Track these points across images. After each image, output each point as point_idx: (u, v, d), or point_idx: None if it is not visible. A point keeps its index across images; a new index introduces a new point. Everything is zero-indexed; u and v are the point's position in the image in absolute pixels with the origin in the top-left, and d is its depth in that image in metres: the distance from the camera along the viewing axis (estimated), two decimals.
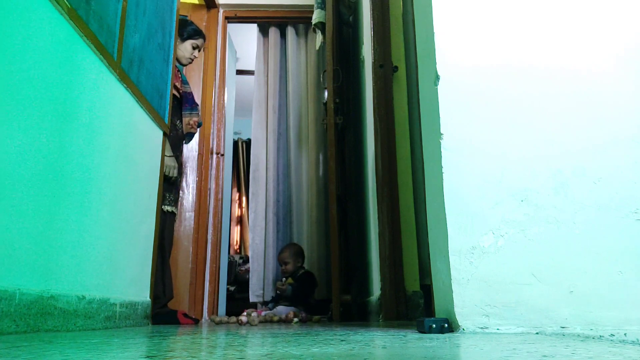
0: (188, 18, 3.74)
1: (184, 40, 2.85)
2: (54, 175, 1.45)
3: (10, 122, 1.25)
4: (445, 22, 1.42)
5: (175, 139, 2.70)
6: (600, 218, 1.29)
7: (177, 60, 2.85)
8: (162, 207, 2.58)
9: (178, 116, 2.77)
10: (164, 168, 2.53)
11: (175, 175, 2.61)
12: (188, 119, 2.79)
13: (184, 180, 2.85)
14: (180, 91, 2.76)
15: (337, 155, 2.96)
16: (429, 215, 1.46)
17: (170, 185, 2.65)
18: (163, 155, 2.47)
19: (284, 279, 3.44)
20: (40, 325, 1.33)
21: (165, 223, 2.61)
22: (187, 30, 2.88)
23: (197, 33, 2.92)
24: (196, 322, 2.59)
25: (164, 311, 2.48)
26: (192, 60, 2.94)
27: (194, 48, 2.88)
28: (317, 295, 3.49)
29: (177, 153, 2.74)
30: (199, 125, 2.93)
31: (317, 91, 4.08)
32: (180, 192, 3.22)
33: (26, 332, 1.27)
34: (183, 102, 2.77)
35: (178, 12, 2.64)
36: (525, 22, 1.43)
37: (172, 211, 2.67)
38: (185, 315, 2.56)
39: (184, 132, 2.79)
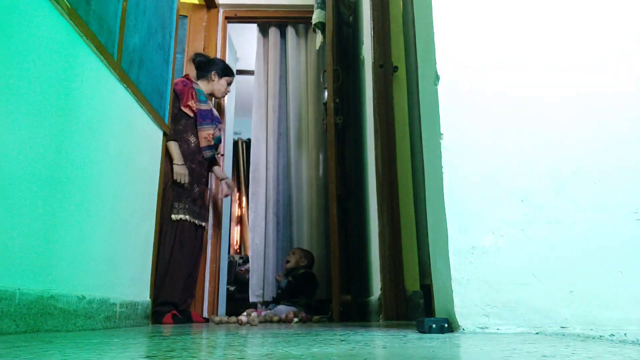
0: (188, 18, 3.75)
1: (221, 77, 3.18)
2: (54, 175, 1.45)
3: (10, 122, 1.25)
4: (445, 22, 1.42)
5: (187, 152, 2.87)
6: (600, 218, 1.29)
7: (212, 94, 3.19)
8: (171, 215, 2.74)
9: (192, 132, 2.94)
10: (175, 175, 2.72)
11: (185, 181, 2.78)
12: (204, 133, 2.97)
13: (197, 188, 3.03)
14: (194, 109, 2.94)
15: (337, 155, 2.96)
16: (429, 215, 1.46)
17: (179, 194, 2.77)
18: (163, 156, 2.47)
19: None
20: (40, 325, 1.33)
21: (174, 231, 2.73)
22: (221, 67, 3.21)
23: (230, 71, 3.26)
24: (207, 321, 2.72)
25: (184, 314, 2.70)
26: (226, 94, 3.28)
27: (228, 84, 3.24)
28: (317, 295, 3.49)
29: (193, 165, 2.90)
30: (218, 140, 3.09)
31: (317, 91, 4.08)
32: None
33: (26, 332, 1.27)
34: (197, 117, 2.96)
35: (178, 12, 2.64)
36: (525, 22, 1.43)
37: (183, 219, 2.80)
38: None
39: (201, 146, 2.96)
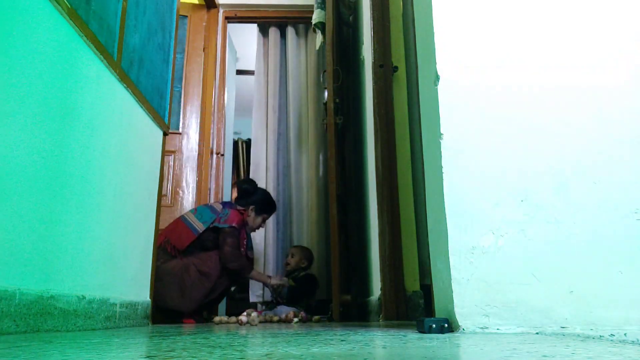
0: (188, 18, 3.75)
1: (257, 215, 3.11)
2: (54, 175, 1.45)
3: (10, 122, 1.25)
4: (445, 22, 1.42)
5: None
6: (600, 218, 1.29)
7: (245, 224, 3.08)
8: None
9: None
10: (277, 288, 3.20)
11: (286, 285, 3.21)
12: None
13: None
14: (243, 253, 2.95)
15: (337, 155, 2.96)
16: (429, 215, 1.46)
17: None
18: (163, 156, 2.47)
19: (284, 278, 3.44)
20: (40, 325, 1.33)
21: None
22: (260, 204, 3.12)
23: (270, 208, 3.22)
24: (199, 322, 2.67)
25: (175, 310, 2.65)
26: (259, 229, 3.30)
27: (263, 220, 3.20)
28: (317, 295, 3.49)
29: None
30: None
31: (317, 91, 4.08)
32: (181, 192, 3.40)
33: (26, 332, 1.27)
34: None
35: (178, 12, 2.64)
36: (525, 21, 1.43)
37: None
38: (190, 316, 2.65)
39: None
